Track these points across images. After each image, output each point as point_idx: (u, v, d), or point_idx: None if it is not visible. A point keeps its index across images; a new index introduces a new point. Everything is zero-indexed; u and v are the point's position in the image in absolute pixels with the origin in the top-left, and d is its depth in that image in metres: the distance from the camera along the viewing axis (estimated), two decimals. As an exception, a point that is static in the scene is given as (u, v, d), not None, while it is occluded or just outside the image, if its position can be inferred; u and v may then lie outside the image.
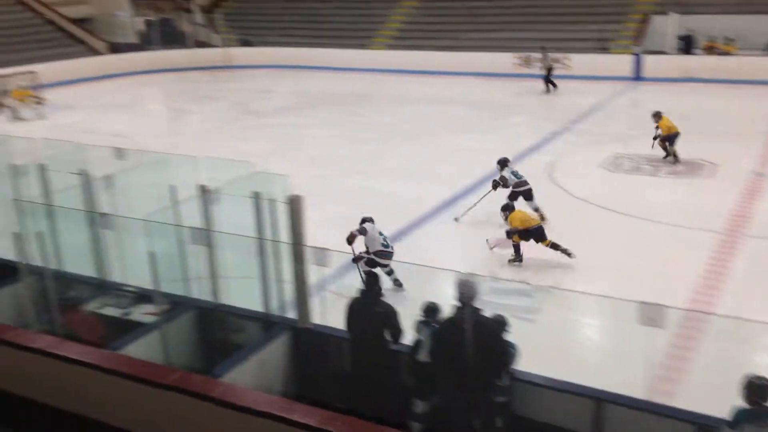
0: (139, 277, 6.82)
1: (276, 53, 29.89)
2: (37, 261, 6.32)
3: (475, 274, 5.49)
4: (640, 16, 26.51)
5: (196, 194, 6.63)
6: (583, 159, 15.39)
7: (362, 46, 29.24)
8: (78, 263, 7.12)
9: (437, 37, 28.30)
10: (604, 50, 25.64)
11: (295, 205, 5.88)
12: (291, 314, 6.33)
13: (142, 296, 6.81)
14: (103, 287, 7.03)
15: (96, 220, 6.75)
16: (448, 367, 5.38)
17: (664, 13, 25.81)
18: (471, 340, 5.10)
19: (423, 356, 5.64)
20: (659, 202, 12.41)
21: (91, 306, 6.77)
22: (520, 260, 9.99)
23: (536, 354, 5.84)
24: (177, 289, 6.78)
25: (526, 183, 11.44)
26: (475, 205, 11.70)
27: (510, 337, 5.58)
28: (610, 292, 7.40)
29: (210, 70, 29.60)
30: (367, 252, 8.86)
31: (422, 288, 6.80)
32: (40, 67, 24.02)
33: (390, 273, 8.92)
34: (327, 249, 5.24)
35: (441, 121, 19.75)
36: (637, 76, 24.83)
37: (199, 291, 6.71)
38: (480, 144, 16.42)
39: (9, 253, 6.58)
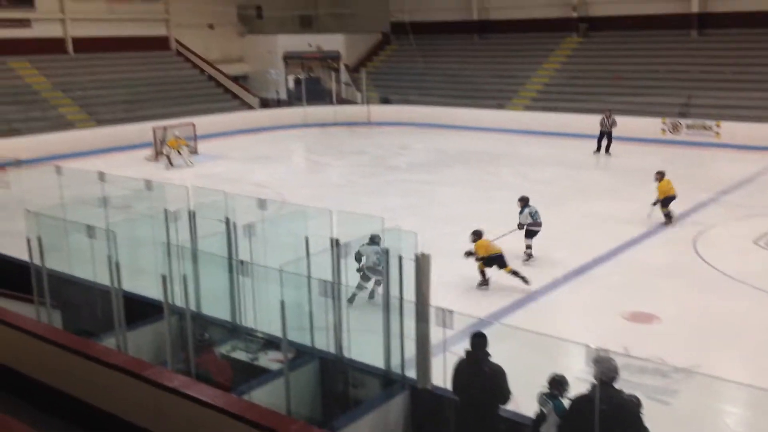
0: (268, 324, 7.09)
1: (414, 111, 30.65)
2: (179, 302, 6.74)
3: (608, 350, 5.21)
4: (802, 83, 24.79)
5: (328, 247, 6.85)
6: (733, 233, 14.37)
7: (500, 107, 29.35)
8: (214, 306, 7.51)
9: (578, 99, 27.87)
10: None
11: (422, 263, 5.91)
12: (411, 372, 6.30)
13: (270, 342, 7.04)
14: (235, 331, 7.36)
15: (235, 266, 7.13)
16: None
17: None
18: (609, 421, 4.81)
19: (547, 430, 5.39)
20: (820, 285, 11.29)
21: (223, 348, 7.09)
22: (487, 284, 11.37)
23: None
24: (303, 338, 6.96)
25: (539, 225, 12.72)
26: (499, 238, 12.31)
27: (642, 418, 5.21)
28: (758, 381, 6.76)
29: (351, 126, 30.80)
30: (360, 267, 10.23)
31: (550, 359, 6.55)
32: (198, 120, 26.14)
33: (378, 283, 9.95)
34: (451, 311, 5.19)
35: (577, 184, 19.26)
36: (798, 147, 23.05)
37: (324, 341, 6.84)
38: (617, 211, 15.80)
39: (156, 293, 7.08)
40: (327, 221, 8.09)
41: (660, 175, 14.90)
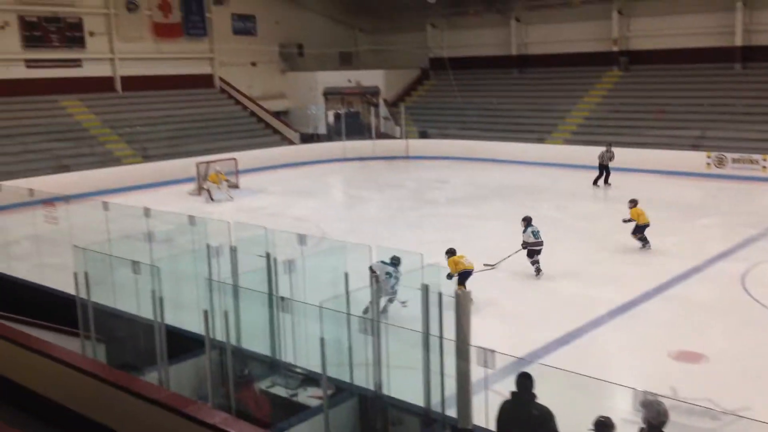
0: (307, 359, 7.08)
1: (453, 145, 30.72)
2: (219, 336, 6.80)
3: (656, 394, 5.06)
4: None
5: (368, 283, 6.85)
6: (784, 269, 13.93)
7: (540, 140, 29.24)
8: (254, 341, 7.55)
9: (620, 133, 27.60)
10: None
11: (462, 300, 5.85)
12: (451, 411, 6.20)
13: (309, 378, 7.03)
14: (274, 366, 7.37)
15: (275, 302, 7.17)
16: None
17: None
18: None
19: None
20: None
21: (263, 384, 7.09)
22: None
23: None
24: (342, 374, 6.93)
25: (540, 244, 13.47)
26: (508, 257, 13.81)
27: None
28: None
29: (389, 160, 30.99)
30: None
31: (591, 400, 6.40)
32: (240, 155, 26.61)
33: (391, 301, 10.95)
34: (492, 350, 5.10)
35: (616, 219, 18.93)
36: None
37: (363, 378, 6.79)
38: (662, 246, 15.48)
39: (196, 326, 7.15)
40: (366, 256, 8.11)
41: (632, 203, 15.50)
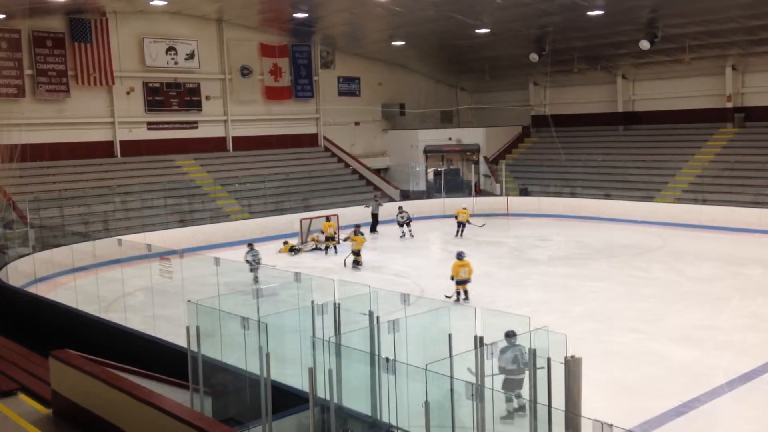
0: (408, 420, 6.95)
1: (554, 202, 30.13)
2: (321, 392, 6.80)
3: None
4: None
5: (473, 345, 6.70)
6: None
7: (648, 199, 28.20)
8: (355, 399, 7.50)
9: (735, 191, 26.24)
10: None
11: (572, 367, 5.62)
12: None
13: (411, 441, 6.87)
14: (375, 426, 7.27)
15: (378, 362, 7.12)
16: None
17: None
18: None
19: None
20: None
21: (364, 444, 7.00)
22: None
23: None
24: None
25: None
26: None
27: None
28: None
29: (489, 217, 30.67)
30: None
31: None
32: (342, 211, 27.20)
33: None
34: (610, 424, 4.79)
35: (736, 282, 17.80)
36: None
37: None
38: (788, 312, 14.38)
39: (298, 381, 7.19)
40: (470, 317, 7.96)
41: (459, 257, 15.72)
